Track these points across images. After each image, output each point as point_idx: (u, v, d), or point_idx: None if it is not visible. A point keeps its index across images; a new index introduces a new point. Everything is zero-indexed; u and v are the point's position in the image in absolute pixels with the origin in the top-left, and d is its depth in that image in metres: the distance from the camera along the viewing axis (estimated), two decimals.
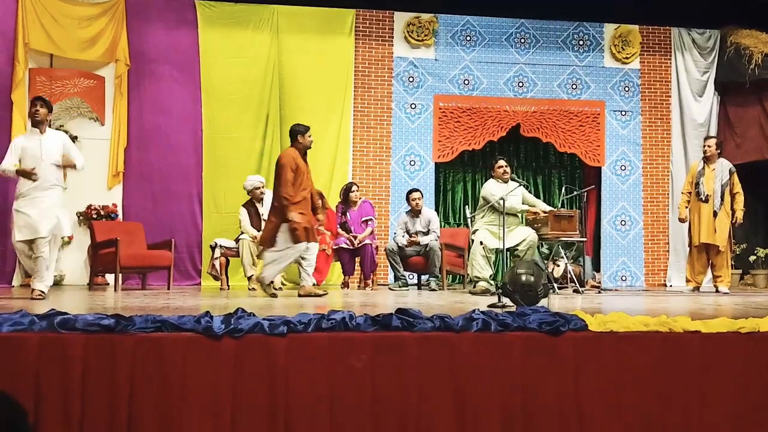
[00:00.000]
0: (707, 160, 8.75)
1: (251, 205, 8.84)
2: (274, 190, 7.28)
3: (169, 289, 8.52)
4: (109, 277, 9.15)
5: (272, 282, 7.24)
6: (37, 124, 6.64)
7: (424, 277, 9.53)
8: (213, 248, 8.92)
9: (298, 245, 7.10)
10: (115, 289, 8.20)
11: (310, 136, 7.40)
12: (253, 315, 3.76)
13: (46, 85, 9.40)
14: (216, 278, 8.90)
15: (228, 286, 8.84)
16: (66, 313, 3.59)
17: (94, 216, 9.47)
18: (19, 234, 6.41)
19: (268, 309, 5.21)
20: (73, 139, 9.59)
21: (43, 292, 6.38)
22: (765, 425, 3.79)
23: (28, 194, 6.44)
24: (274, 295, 7.11)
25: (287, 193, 7.07)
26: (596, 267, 10.91)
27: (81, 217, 9.62)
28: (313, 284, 7.40)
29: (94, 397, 3.38)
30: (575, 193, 9.88)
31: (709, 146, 8.76)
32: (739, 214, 8.59)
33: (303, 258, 7.25)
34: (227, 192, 9.85)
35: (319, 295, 7.17)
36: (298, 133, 7.34)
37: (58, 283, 9.26)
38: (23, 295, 6.99)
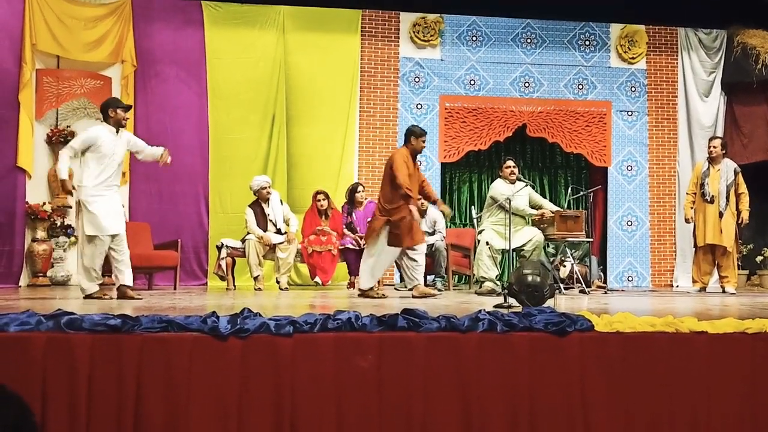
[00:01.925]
0: (712, 160, 8.73)
1: (257, 206, 8.84)
2: (384, 188, 7.11)
3: (175, 289, 8.53)
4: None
5: (373, 287, 7.14)
6: (120, 128, 6.66)
7: (429, 278, 9.52)
8: (219, 248, 8.92)
9: (395, 249, 7.03)
10: None
11: (424, 141, 7.25)
12: (260, 315, 3.77)
13: (53, 85, 9.42)
14: (222, 278, 8.91)
15: (234, 286, 8.85)
16: (73, 313, 3.60)
17: None
18: (94, 228, 6.37)
19: (274, 309, 5.21)
20: None
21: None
22: None
23: (97, 192, 6.40)
24: (383, 296, 7.10)
25: (408, 186, 6.90)
26: (603, 267, 10.89)
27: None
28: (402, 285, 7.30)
29: (101, 397, 3.38)
30: (581, 193, 9.87)
31: (714, 147, 8.74)
32: (745, 215, 8.57)
33: (411, 259, 7.16)
34: (233, 192, 9.86)
35: (434, 296, 7.12)
36: (412, 134, 7.19)
37: (64, 283, 9.29)
38: (32, 294, 7.01)
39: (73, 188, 6.47)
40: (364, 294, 7.10)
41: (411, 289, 7.23)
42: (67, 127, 9.60)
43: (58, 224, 9.38)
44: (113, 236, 6.45)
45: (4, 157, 8.64)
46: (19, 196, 8.99)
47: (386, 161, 7.27)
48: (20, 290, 8.27)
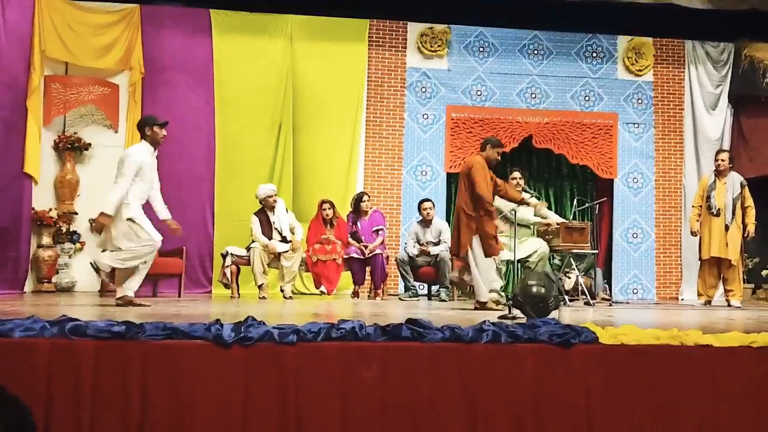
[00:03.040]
0: (719, 173, 8.71)
1: (263, 214, 8.85)
2: (463, 195, 7.01)
3: (180, 296, 8.53)
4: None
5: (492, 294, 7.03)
6: (157, 147, 6.67)
7: (434, 288, 9.52)
8: (224, 256, 8.93)
9: (489, 259, 6.94)
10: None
11: (499, 154, 7.25)
12: (264, 323, 3.76)
13: (61, 92, 9.46)
14: (227, 286, 8.91)
15: (239, 294, 8.85)
16: (77, 320, 3.60)
17: None
18: (150, 237, 6.41)
19: (279, 318, 5.21)
20: (87, 146, 9.66)
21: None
22: None
23: (136, 209, 6.45)
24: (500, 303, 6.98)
25: (490, 200, 6.86)
26: (608, 279, 10.86)
27: (93, 224, 9.64)
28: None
29: (105, 404, 3.38)
30: (587, 205, 9.85)
31: (723, 160, 8.72)
32: (751, 228, 8.56)
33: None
34: (239, 200, 9.86)
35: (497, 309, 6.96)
36: (489, 143, 7.20)
37: (69, 290, 9.31)
38: (37, 300, 7.02)
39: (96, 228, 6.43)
40: (482, 306, 6.92)
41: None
42: (74, 133, 9.63)
43: (64, 230, 9.40)
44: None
45: (11, 163, 8.66)
46: (26, 202, 9.00)
47: (463, 168, 7.19)
48: (25, 296, 8.29)
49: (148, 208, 6.71)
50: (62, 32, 9.48)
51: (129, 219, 6.37)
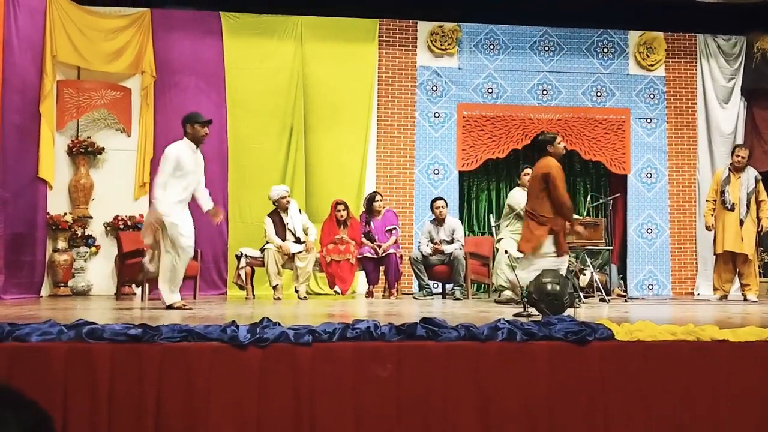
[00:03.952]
0: (735, 169, 8.65)
1: (276, 215, 8.86)
2: (536, 199, 7.02)
3: (195, 298, 8.56)
4: (136, 287, 9.21)
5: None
6: (200, 144, 6.69)
7: (448, 286, 9.51)
8: (239, 258, 8.95)
9: (562, 258, 6.95)
10: (142, 299, 8.25)
11: (560, 143, 7.29)
12: (279, 324, 3.78)
13: (74, 97, 9.51)
14: (241, 288, 8.93)
15: (253, 295, 8.87)
16: (94, 323, 3.62)
17: (121, 226, 9.54)
18: (186, 239, 6.48)
19: (294, 318, 5.22)
20: (100, 150, 9.70)
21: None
22: None
23: (177, 209, 6.48)
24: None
25: (569, 201, 6.93)
26: (623, 275, 10.83)
27: (108, 228, 9.70)
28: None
29: (122, 407, 3.40)
30: (600, 201, 9.83)
31: (743, 157, 8.65)
32: (765, 223, 8.52)
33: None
34: (252, 202, 9.89)
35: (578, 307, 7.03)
36: (547, 141, 7.24)
37: (85, 293, 9.36)
38: (54, 305, 7.06)
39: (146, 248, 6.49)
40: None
41: None
42: (88, 137, 9.68)
43: (79, 234, 9.45)
44: None
45: (25, 167, 8.72)
46: (41, 207, 9.06)
47: (536, 171, 7.20)
48: (41, 300, 8.34)
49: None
50: (74, 37, 9.53)
51: (166, 218, 6.41)
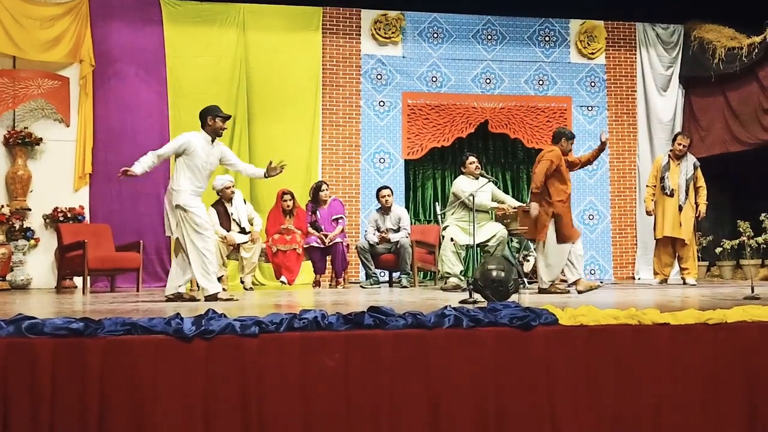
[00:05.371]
0: (676, 156, 8.81)
1: (221, 205, 8.77)
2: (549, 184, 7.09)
3: (138, 291, 8.44)
4: (77, 280, 9.05)
5: (553, 281, 7.08)
6: (215, 138, 6.56)
7: (395, 275, 9.54)
8: None
9: (565, 245, 7.01)
10: (84, 292, 8.12)
11: (572, 143, 7.37)
12: (224, 316, 3.74)
13: (9, 86, 9.28)
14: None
15: (198, 287, 8.77)
16: (34, 318, 3.54)
17: (61, 218, 9.36)
18: (207, 225, 6.39)
19: (239, 310, 5.18)
20: (38, 141, 9.49)
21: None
22: (733, 413, 3.84)
23: (191, 198, 6.35)
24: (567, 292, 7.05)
25: (538, 186, 6.95)
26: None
27: (47, 220, 9.50)
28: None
29: (65, 402, 3.34)
30: None
31: (684, 145, 8.80)
32: (702, 208, 8.70)
33: (578, 254, 7.15)
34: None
35: (596, 288, 7.12)
36: (563, 136, 7.27)
37: (24, 287, 9.16)
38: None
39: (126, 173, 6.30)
40: (545, 291, 7.02)
41: (573, 284, 7.12)
42: (25, 128, 9.47)
43: (17, 227, 9.24)
44: None
45: None
46: None
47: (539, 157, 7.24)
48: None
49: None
50: (9, 25, 9.29)
51: (178, 206, 6.30)
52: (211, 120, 6.50)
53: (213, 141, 6.55)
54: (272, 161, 6.83)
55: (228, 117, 6.67)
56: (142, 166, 6.34)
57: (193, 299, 6.40)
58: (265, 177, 6.89)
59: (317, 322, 3.65)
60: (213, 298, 6.28)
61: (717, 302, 5.37)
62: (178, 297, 6.40)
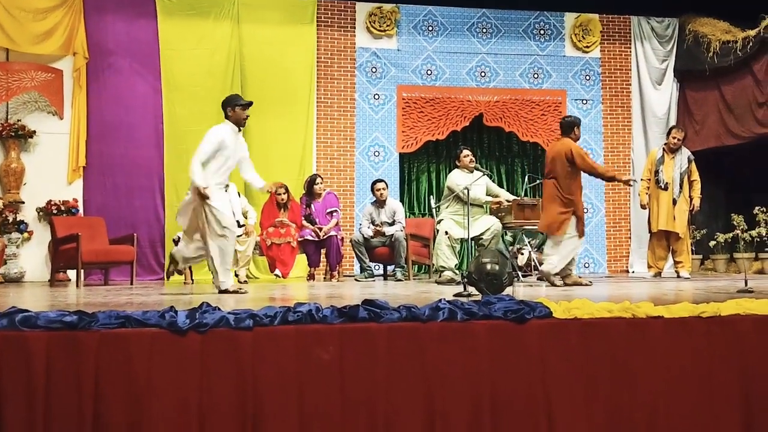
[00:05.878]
0: (670, 149, 8.82)
1: None
2: (561, 180, 7.23)
3: (132, 284, 8.43)
4: (71, 273, 9.03)
5: (557, 274, 7.18)
6: (240, 128, 6.51)
7: (389, 268, 9.54)
8: (176, 242, 8.82)
9: (582, 239, 7.24)
10: (77, 285, 8.10)
11: (578, 129, 7.48)
12: (219, 309, 3.73)
13: (2, 79, 9.24)
14: (179, 272, 8.81)
15: (192, 280, 8.78)
16: (27, 311, 3.53)
17: (55, 211, 9.34)
18: (226, 221, 6.29)
19: (234, 303, 5.17)
20: (32, 133, 9.46)
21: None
22: (727, 406, 3.86)
23: (214, 190, 6.26)
24: (589, 283, 7.24)
25: (599, 166, 7.28)
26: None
27: (41, 213, 9.48)
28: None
29: (59, 396, 3.33)
30: (538, 181, 9.92)
31: (679, 139, 8.82)
32: (696, 202, 8.73)
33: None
34: (189, 185, 9.75)
35: (587, 285, 7.19)
36: (575, 124, 7.39)
37: (18, 280, 9.14)
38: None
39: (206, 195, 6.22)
40: (551, 282, 7.18)
41: (564, 278, 7.25)
42: (18, 121, 9.44)
43: (11, 220, 9.21)
44: None
45: None
46: None
47: (555, 153, 7.28)
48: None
49: None
50: (1, 18, 9.26)
51: (205, 203, 6.25)
52: (231, 110, 6.45)
53: (240, 130, 6.52)
54: (271, 185, 6.87)
55: (249, 104, 6.58)
56: (202, 175, 6.21)
57: (237, 292, 6.33)
58: (258, 189, 6.88)
59: (312, 315, 3.65)
60: (226, 291, 6.30)
61: (711, 295, 5.38)
62: (225, 291, 6.35)
